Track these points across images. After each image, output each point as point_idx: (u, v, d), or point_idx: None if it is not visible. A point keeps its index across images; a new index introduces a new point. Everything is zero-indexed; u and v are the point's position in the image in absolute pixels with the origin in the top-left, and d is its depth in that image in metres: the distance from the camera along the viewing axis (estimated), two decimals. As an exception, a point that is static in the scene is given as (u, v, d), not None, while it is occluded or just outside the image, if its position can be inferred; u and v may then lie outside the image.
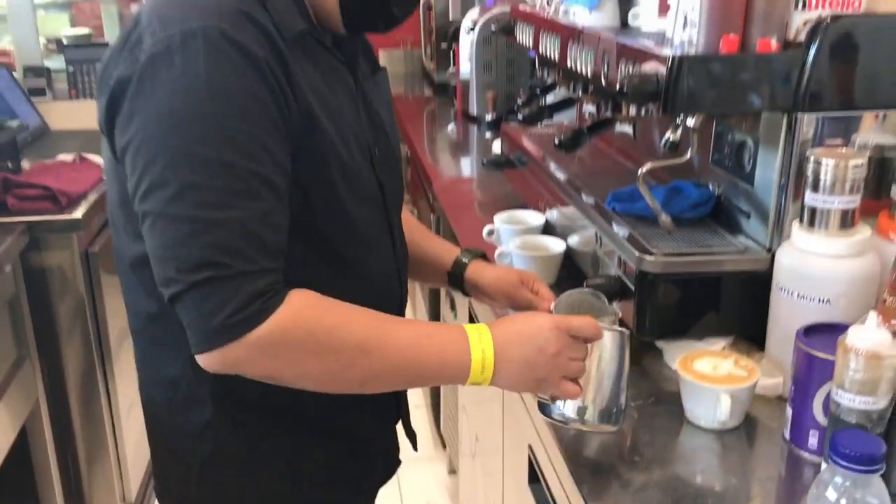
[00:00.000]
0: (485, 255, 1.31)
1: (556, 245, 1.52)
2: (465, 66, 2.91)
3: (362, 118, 1.08)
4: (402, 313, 1.18)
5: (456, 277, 1.28)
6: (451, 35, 3.26)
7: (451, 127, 3.04)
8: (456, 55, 3.08)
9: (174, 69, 0.88)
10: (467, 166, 2.59)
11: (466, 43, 2.88)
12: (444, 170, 2.48)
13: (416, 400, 2.80)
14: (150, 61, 0.89)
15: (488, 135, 2.75)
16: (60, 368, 2.04)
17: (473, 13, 2.90)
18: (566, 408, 0.98)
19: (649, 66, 1.15)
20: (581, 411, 0.98)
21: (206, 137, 0.88)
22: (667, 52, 1.13)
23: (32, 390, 1.94)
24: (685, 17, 1.23)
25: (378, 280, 1.10)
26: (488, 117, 2.79)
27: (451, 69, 3.16)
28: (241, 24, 0.91)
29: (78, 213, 1.97)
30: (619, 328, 0.98)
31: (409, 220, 1.29)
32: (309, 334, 0.91)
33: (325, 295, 0.95)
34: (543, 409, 1.01)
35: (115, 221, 1.07)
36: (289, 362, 0.92)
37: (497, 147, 2.37)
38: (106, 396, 2.16)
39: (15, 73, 2.67)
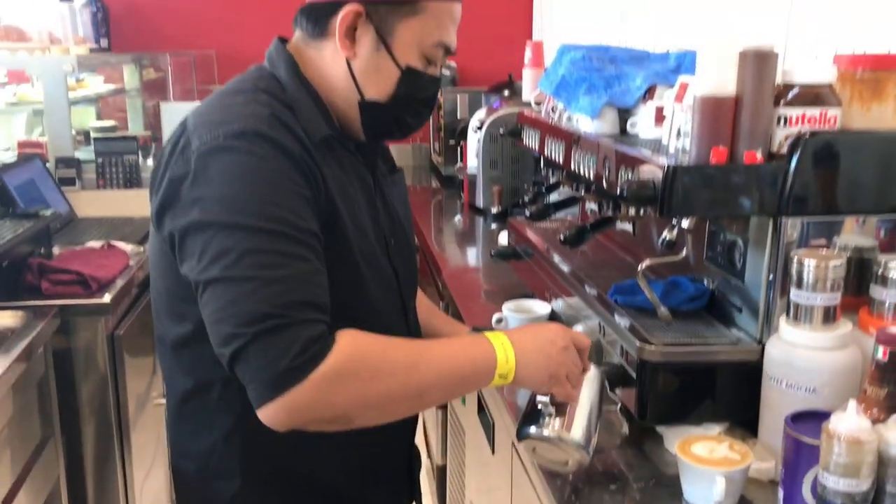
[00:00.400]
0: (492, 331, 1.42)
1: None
2: (473, 161, 3.06)
3: (380, 212, 1.21)
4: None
5: None
6: (458, 132, 3.43)
7: (457, 218, 3.17)
8: (463, 151, 3.24)
9: (223, 163, 1.02)
10: (474, 256, 2.70)
11: (474, 140, 3.03)
12: (451, 258, 2.60)
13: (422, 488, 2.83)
14: (201, 158, 1.03)
15: (494, 226, 2.88)
16: (80, 447, 2.11)
17: (481, 113, 3.07)
18: (552, 425, 1.11)
19: (647, 173, 1.27)
20: (565, 429, 1.11)
21: (256, 213, 1.00)
22: (663, 160, 1.25)
23: (54, 469, 2.00)
24: (679, 129, 1.36)
25: None
26: (494, 210, 2.92)
27: (459, 164, 3.31)
28: (275, 126, 1.06)
29: (107, 298, 2.07)
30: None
31: (422, 299, 1.42)
32: (365, 361, 1.00)
33: None
34: (524, 432, 1.13)
35: (159, 308, 1.19)
36: (353, 392, 0.99)
37: (503, 238, 2.49)
38: (122, 475, 2.21)
39: (47, 164, 2.81)
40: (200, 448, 1.18)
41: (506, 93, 3.32)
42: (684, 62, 1.80)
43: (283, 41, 1.21)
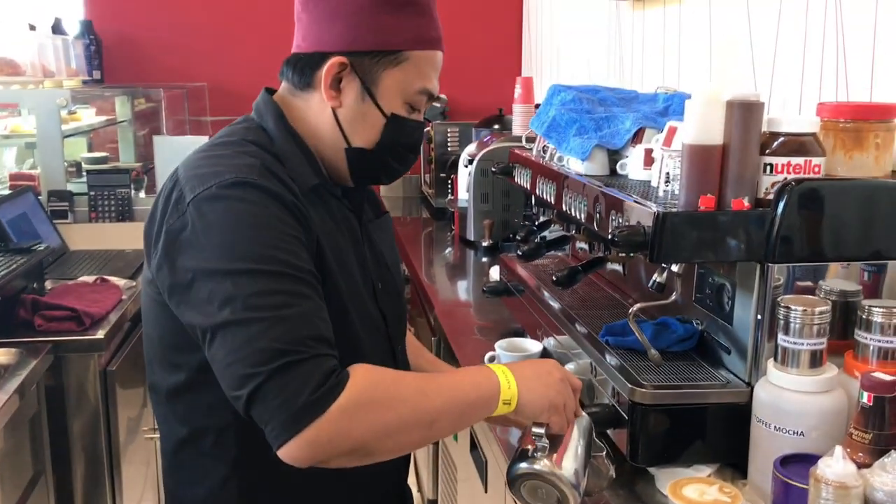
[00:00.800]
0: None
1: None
2: (463, 195, 3.09)
3: (367, 257, 1.24)
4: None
5: None
6: (449, 165, 3.46)
7: (448, 250, 3.20)
8: (454, 184, 3.27)
9: (218, 211, 1.05)
10: (465, 290, 2.72)
11: (464, 174, 3.06)
12: (443, 292, 2.61)
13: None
14: (196, 209, 1.05)
15: (485, 260, 2.91)
16: (70, 482, 2.10)
17: (471, 148, 3.10)
18: (544, 459, 1.13)
19: (637, 219, 1.30)
20: (557, 465, 1.13)
21: (256, 256, 1.02)
22: (652, 206, 1.28)
23: (45, 506, 2.00)
24: (668, 174, 1.39)
25: None
26: (485, 244, 2.95)
27: (450, 197, 3.34)
28: (265, 175, 1.09)
29: (100, 334, 2.08)
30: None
31: (411, 340, 1.44)
32: (379, 392, 1.03)
33: None
34: (515, 467, 1.15)
35: (152, 358, 1.20)
36: (371, 421, 1.00)
37: (494, 273, 2.51)
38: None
39: (39, 196, 2.82)
40: (196, 496, 1.19)
41: (496, 127, 3.37)
42: (672, 104, 1.84)
43: (270, 92, 1.25)
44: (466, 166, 3.05)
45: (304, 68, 1.19)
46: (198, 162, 1.13)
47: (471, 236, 3.05)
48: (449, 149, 3.62)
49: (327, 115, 1.18)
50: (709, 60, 2.20)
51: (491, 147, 2.97)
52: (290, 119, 1.20)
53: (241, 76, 4.09)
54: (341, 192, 1.24)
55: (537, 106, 3.06)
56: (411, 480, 2.92)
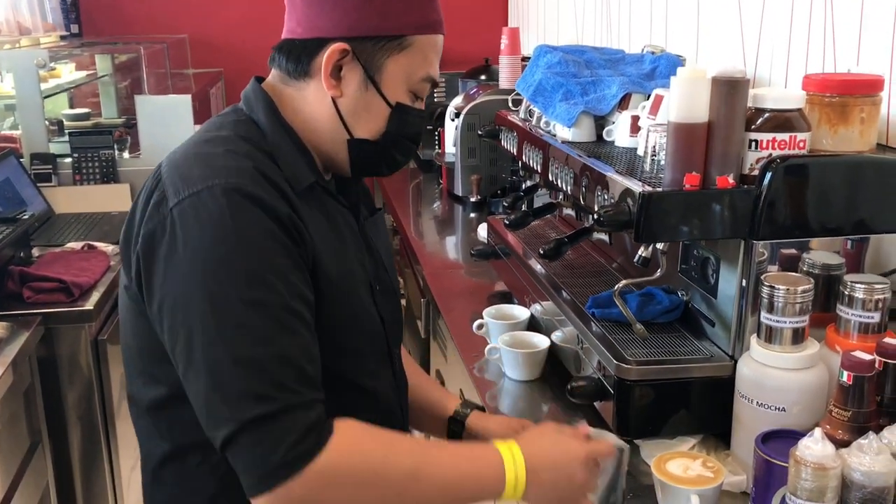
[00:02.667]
0: (483, 408, 1.38)
1: (541, 342, 1.65)
2: (450, 149, 3.07)
3: (365, 256, 1.19)
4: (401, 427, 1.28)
5: (456, 424, 1.33)
6: (436, 117, 3.43)
7: (436, 205, 3.19)
8: (441, 137, 3.25)
9: (200, 224, 0.97)
10: (453, 247, 2.73)
11: (451, 128, 3.04)
12: (431, 249, 2.62)
13: None
14: (178, 217, 0.97)
15: (473, 215, 2.91)
16: (67, 451, 2.14)
17: (458, 101, 3.07)
18: None
19: (622, 196, 1.30)
20: None
21: (238, 282, 0.96)
22: (638, 185, 1.28)
23: (43, 475, 2.03)
24: (654, 147, 1.39)
25: (382, 404, 1.21)
26: (473, 199, 2.94)
27: (437, 150, 3.32)
28: (257, 181, 1.01)
29: (89, 304, 2.08)
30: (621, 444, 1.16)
31: (408, 361, 1.37)
32: (363, 463, 0.97)
33: (335, 405, 1.02)
34: None
35: (131, 368, 1.13)
36: (347, 492, 0.96)
37: (482, 231, 2.51)
38: (110, 474, 2.25)
39: (22, 159, 2.79)
40: None
41: (482, 78, 3.33)
42: (659, 65, 1.82)
43: (260, 80, 1.17)
44: (453, 120, 3.02)
45: (299, 56, 1.11)
46: (185, 160, 1.05)
47: (459, 192, 3.04)
48: (435, 99, 3.58)
49: (326, 106, 1.11)
50: (696, 14, 2.16)
51: (477, 101, 2.94)
52: (282, 111, 1.13)
53: (222, 28, 4.02)
54: (335, 187, 1.18)
55: (524, 59, 3.03)
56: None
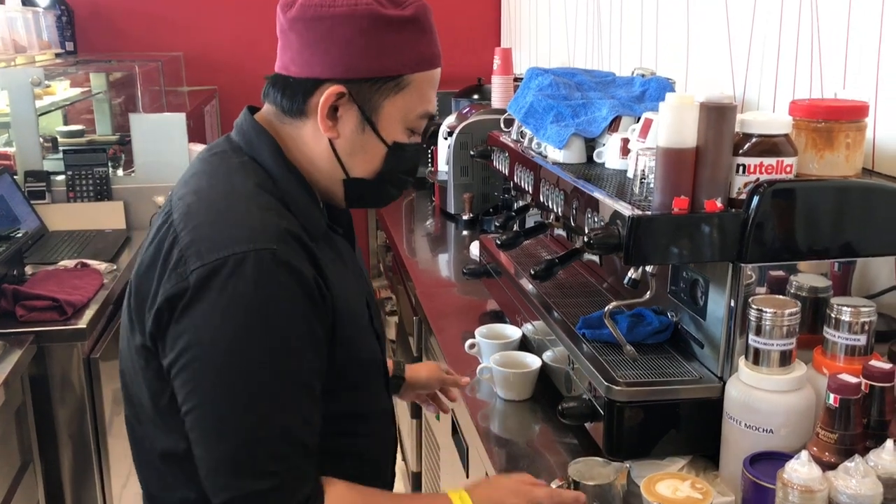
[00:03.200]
0: (402, 361, 1.55)
1: (533, 362, 1.66)
2: (443, 167, 3.09)
3: (361, 277, 1.23)
4: (396, 440, 1.35)
5: (397, 379, 1.50)
6: (429, 135, 3.45)
7: (429, 222, 3.21)
8: (434, 155, 3.27)
9: (226, 293, 0.96)
10: (445, 264, 2.74)
11: (444, 146, 3.06)
12: (424, 267, 2.64)
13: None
14: (202, 283, 0.96)
15: (465, 233, 2.92)
16: (58, 471, 2.13)
17: (451, 119, 3.09)
18: None
19: (612, 219, 1.32)
20: None
21: (254, 358, 0.97)
22: (627, 208, 1.29)
23: (34, 495, 2.02)
24: (643, 170, 1.41)
25: (380, 423, 1.25)
26: (465, 217, 2.96)
27: (430, 168, 3.33)
28: (286, 242, 1.00)
29: (82, 323, 2.08)
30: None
31: None
32: None
33: (334, 428, 1.09)
34: None
35: (141, 416, 1.12)
36: None
37: (475, 249, 2.53)
38: (101, 492, 2.24)
39: (16, 176, 2.80)
40: None
41: (475, 97, 3.35)
42: (649, 88, 1.85)
43: (252, 110, 1.15)
44: (446, 138, 3.04)
45: (294, 94, 1.09)
46: (206, 217, 1.02)
47: (451, 209, 3.05)
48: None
49: (323, 146, 1.10)
50: (686, 37, 2.19)
51: (470, 120, 2.96)
52: (285, 150, 1.11)
53: (217, 46, 4.04)
54: (328, 216, 1.19)
55: (516, 79, 3.05)
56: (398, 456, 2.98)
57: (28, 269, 2.36)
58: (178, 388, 1.00)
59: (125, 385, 1.14)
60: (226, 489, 0.97)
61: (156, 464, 1.12)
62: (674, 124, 1.25)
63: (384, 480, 1.28)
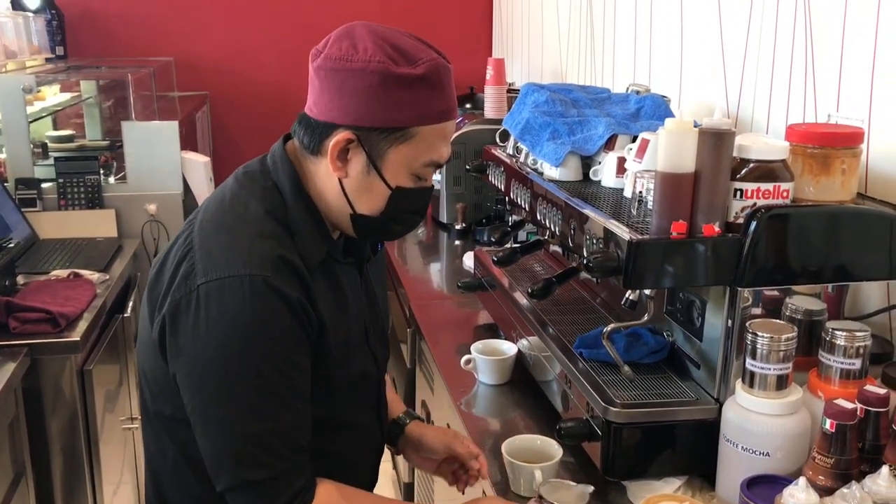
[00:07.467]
0: (422, 419, 1.53)
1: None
2: (436, 176, 3.09)
3: (364, 303, 1.29)
4: (380, 451, 1.44)
5: (393, 432, 1.48)
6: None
7: (421, 231, 3.21)
8: (427, 164, 3.27)
9: (224, 308, 1.10)
10: (437, 274, 2.74)
11: (437, 156, 3.06)
12: (416, 275, 2.64)
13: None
14: (204, 296, 1.10)
15: (458, 243, 2.93)
16: (50, 483, 2.12)
17: (444, 129, 3.09)
18: None
19: (610, 243, 1.33)
20: None
21: (250, 364, 1.10)
22: (626, 232, 1.30)
23: (27, 507, 2.02)
24: (641, 193, 1.42)
25: (366, 434, 1.36)
26: (458, 227, 2.97)
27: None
28: (279, 270, 1.12)
29: (76, 335, 2.07)
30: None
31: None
32: None
33: (322, 440, 1.19)
34: None
35: (154, 391, 1.23)
36: None
37: (468, 260, 2.54)
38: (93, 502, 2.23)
39: (6, 184, 2.78)
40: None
41: (468, 106, 3.36)
42: (644, 106, 1.86)
43: (286, 138, 1.25)
44: (439, 148, 3.04)
45: (313, 134, 1.18)
46: (217, 236, 1.16)
47: (444, 219, 3.06)
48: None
49: (334, 183, 1.19)
50: (679, 53, 2.21)
51: (463, 130, 2.96)
52: (303, 181, 1.21)
53: (208, 51, 4.03)
54: (345, 241, 1.29)
55: (509, 90, 3.07)
56: (388, 466, 2.98)
57: (20, 279, 2.34)
58: (181, 386, 1.14)
59: (144, 370, 1.25)
60: (228, 477, 1.12)
61: (164, 427, 1.24)
62: (673, 149, 1.27)
63: (363, 481, 1.37)
